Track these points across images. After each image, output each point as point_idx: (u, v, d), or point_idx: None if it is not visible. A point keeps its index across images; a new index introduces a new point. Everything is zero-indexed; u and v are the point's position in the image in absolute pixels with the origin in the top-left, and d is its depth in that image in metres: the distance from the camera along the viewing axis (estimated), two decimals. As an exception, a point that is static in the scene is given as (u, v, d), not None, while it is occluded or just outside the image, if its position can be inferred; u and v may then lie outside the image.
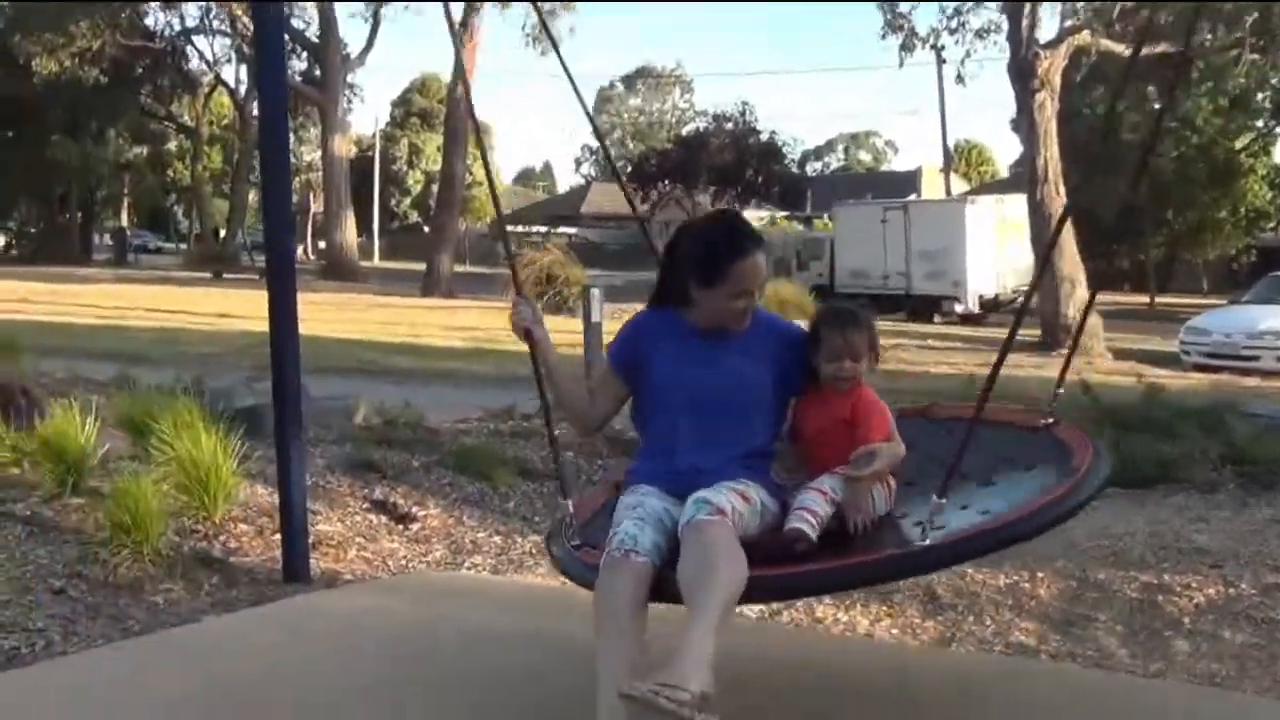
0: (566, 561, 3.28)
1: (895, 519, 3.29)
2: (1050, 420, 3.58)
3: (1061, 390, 3.70)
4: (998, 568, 5.45)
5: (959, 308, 28.71)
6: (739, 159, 44.35)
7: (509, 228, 56.07)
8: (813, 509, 3.14)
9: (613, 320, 24.66)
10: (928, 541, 2.95)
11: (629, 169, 43.97)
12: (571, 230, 61.72)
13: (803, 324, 3.50)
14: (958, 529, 3.01)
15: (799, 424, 3.42)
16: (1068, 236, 19.05)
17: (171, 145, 60.39)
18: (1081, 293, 19.22)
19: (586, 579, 3.10)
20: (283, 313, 4.94)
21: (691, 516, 3.04)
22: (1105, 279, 29.10)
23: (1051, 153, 19.73)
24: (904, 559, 3.02)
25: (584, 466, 7.61)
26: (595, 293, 13.60)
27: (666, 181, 46.25)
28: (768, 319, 3.49)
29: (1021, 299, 28.04)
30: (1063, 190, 19.58)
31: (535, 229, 54.10)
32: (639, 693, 2.62)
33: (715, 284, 3.31)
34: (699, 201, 49.06)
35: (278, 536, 5.26)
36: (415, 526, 6.18)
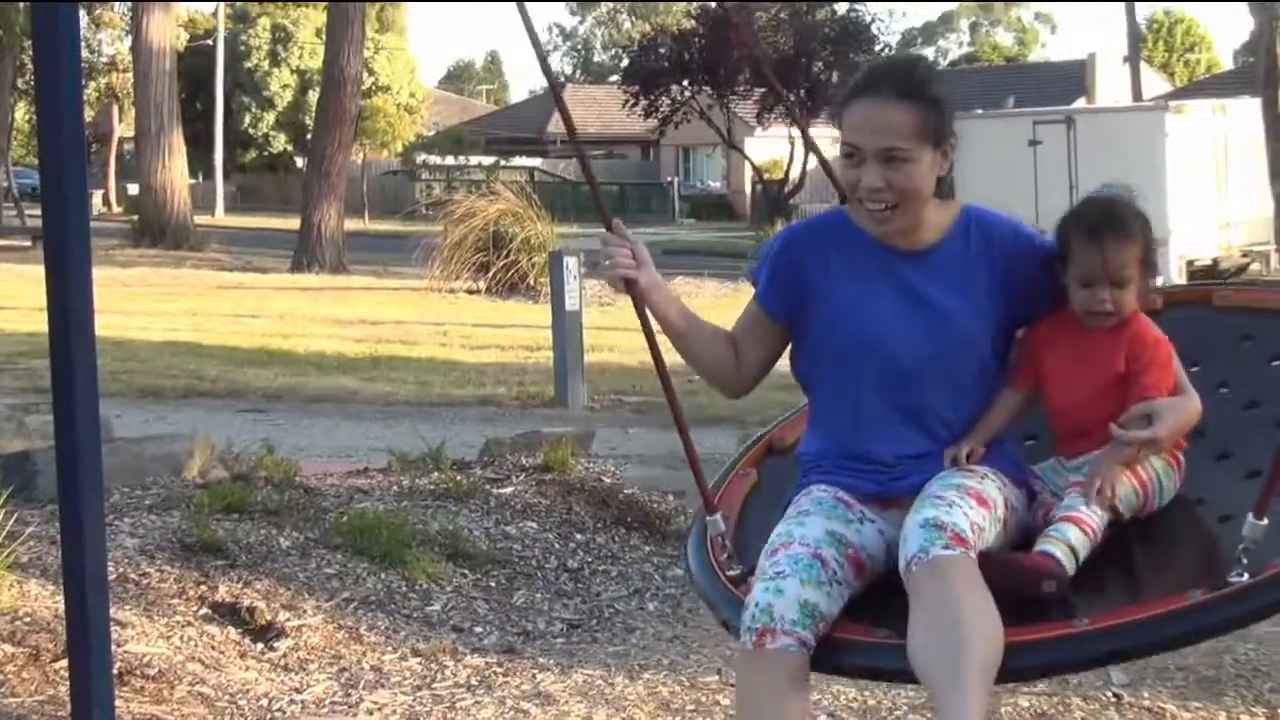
0: (722, 602, 3.57)
1: (1189, 516, 3.50)
2: None
3: None
4: (1217, 700, 5.47)
5: (1157, 280, 28.78)
6: (801, 45, 44.49)
7: (426, 158, 56.44)
8: (1080, 522, 3.38)
9: (598, 306, 24.64)
10: (1245, 578, 3.06)
11: (623, 61, 44.05)
12: (533, 162, 61.91)
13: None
14: None
15: (1045, 381, 3.66)
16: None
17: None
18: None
19: None
20: (70, 305, 4.94)
21: (922, 550, 3.26)
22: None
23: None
24: (1214, 608, 3.10)
25: (553, 545, 7.63)
26: (570, 262, 13.70)
27: (684, 83, 46.43)
28: (986, 218, 3.78)
29: (1257, 264, 28.20)
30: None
31: (472, 161, 54.15)
32: None
33: (839, 128, 3.66)
34: (736, 114, 49.32)
35: (61, 664, 5.26)
36: (284, 645, 6.15)
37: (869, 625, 3.35)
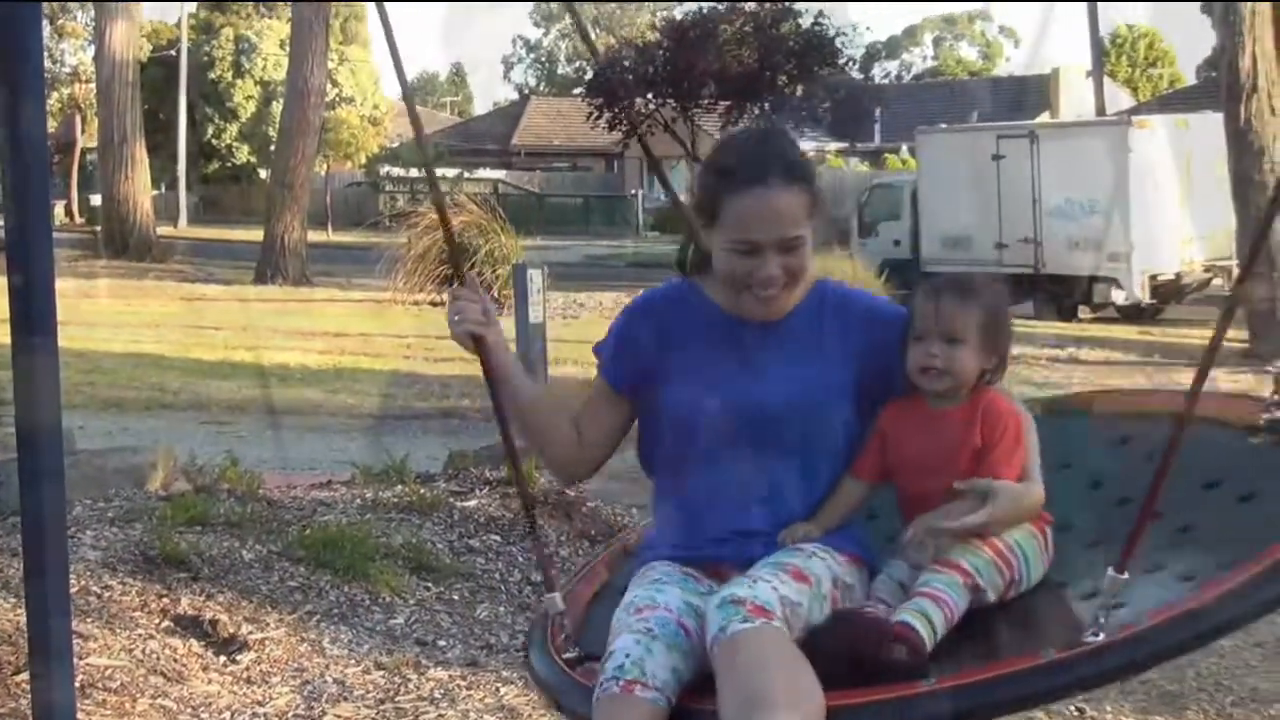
0: (556, 684, 3.44)
1: (1051, 593, 3.40)
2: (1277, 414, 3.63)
3: None
4: (1178, 715, 5.51)
5: (1119, 295, 28.82)
6: (765, 58, 44.55)
7: (390, 170, 56.41)
8: (936, 597, 3.24)
9: (562, 320, 24.69)
10: (1101, 637, 3.00)
11: (588, 74, 44.15)
12: (497, 174, 61.91)
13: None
14: (1144, 612, 3.06)
15: (896, 469, 3.55)
16: (1293, 181, 19.19)
17: None
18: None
19: (588, 713, 3.23)
20: (31, 314, 4.93)
21: (721, 629, 3.15)
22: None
23: (1264, 44, 19.86)
24: (1069, 666, 3.02)
25: (516, 559, 7.65)
26: (534, 275, 13.72)
27: (649, 96, 46.48)
28: (841, 294, 3.72)
29: (1219, 279, 28.16)
30: (1280, 105, 19.72)
31: (438, 172, 54.14)
32: None
33: (715, 223, 3.56)
34: (700, 126, 49.39)
35: (23, 677, 5.26)
36: (246, 658, 6.16)
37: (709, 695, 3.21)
